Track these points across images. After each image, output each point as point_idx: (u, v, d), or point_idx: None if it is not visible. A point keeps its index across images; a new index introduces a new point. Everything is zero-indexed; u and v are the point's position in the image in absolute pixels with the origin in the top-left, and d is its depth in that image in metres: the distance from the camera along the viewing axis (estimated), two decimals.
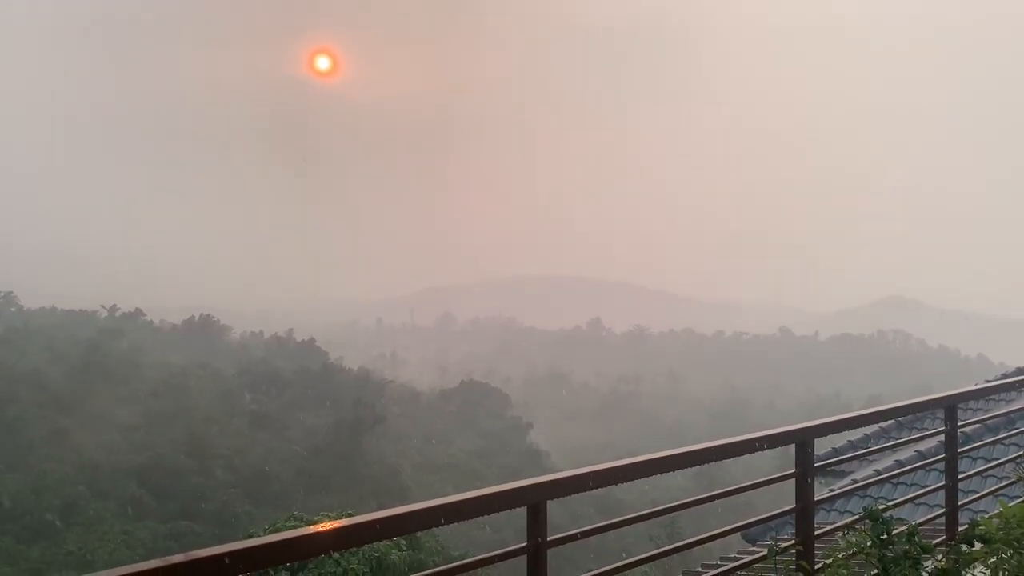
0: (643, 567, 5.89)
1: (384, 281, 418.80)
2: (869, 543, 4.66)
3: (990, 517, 5.11)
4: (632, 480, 4.49)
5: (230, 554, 2.81)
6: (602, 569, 4.04)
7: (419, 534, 21.43)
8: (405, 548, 20.16)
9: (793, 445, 5.20)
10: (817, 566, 4.94)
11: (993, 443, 8.48)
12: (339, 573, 16.27)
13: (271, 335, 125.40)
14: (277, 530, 15.87)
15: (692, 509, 4.85)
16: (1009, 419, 11.37)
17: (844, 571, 4.59)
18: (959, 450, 6.59)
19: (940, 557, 5.00)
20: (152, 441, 65.12)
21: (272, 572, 14.04)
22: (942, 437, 6.58)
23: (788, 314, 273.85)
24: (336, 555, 16.31)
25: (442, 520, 3.59)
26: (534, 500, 3.75)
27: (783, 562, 4.84)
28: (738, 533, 6.14)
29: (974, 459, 10.61)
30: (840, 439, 13.68)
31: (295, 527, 12.89)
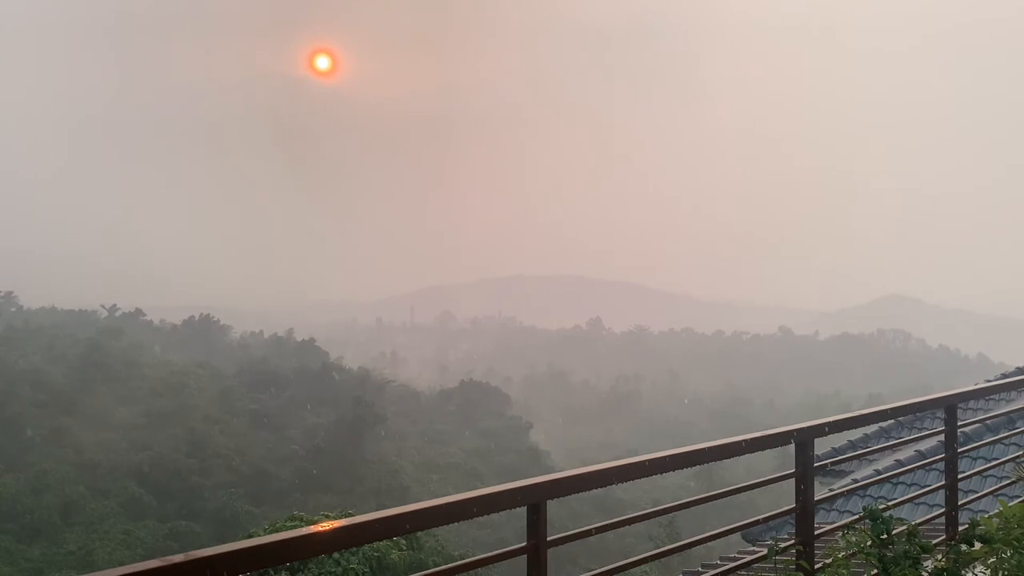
0: (643, 567, 5.88)
1: (384, 280, 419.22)
2: (869, 543, 4.66)
3: (990, 517, 5.11)
4: (632, 480, 4.49)
5: (230, 554, 2.80)
6: (602, 569, 4.04)
7: (419, 534, 21.44)
8: (405, 548, 20.17)
9: (793, 445, 5.21)
10: (817, 566, 4.94)
11: (993, 443, 8.48)
12: (339, 573, 16.29)
13: (271, 335, 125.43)
14: (277, 530, 15.89)
15: (692, 509, 4.85)
16: (1009, 419, 11.38)
17: (844, 571, 4.59)
18: (959, 450, 6.59)
19: (940, 557, 5.00)
20: (152, 441, 65.12)
21: (272, 572, 14.04)
22: (942, 437, 6.58)
23: (788, 314, 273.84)
24: (336, 555, 16.32)
25: (442, 520, 3.59)
26: (534, 500, 3.75)
27: (783, 562, 4.84)
28: (738, 533, 6.14)
29: (974, 459, 10.61)
30: (840, 439, 13.66)
31: (295, 527, 12.90)
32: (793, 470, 5.21)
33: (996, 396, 13.66)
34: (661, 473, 4.43)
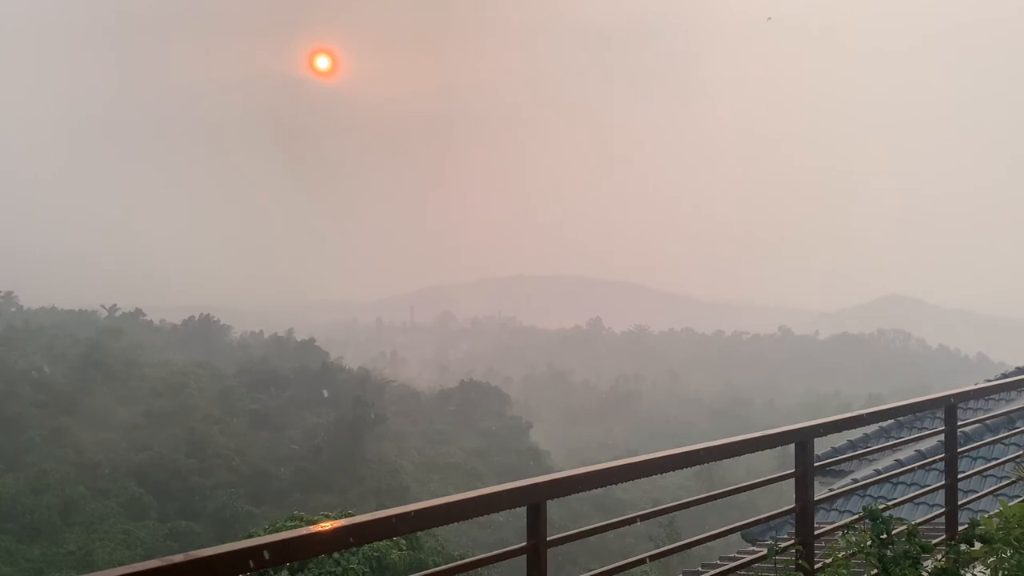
0: (643, 567, 5.88)
1: (384, 280, 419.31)
2: (869, 543, 4.66)
3: (990, 517, 5.11)
4: (632, 480, 4.49)
5: (230, 554, 2.81)
6: (602, 569, 4.04)
7: (419, 534, 21.45)
8: (405, 548, 20.18)
9: (793, 445, 5.21)
10: (817, 566, 4.94)
11: (993, 443, 8.47)
12: (339, 573, 16.29)
13: (271, 335, 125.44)
14: (277, 530, 15.88)
15: (692, 509, 4.85)
16: (1009, 419, 11.37)
17: (844, 571, 4.59)
18: (959, 450, 6.58)
19: (940, 557, 5.00)
20: (152, 440, 65.12)
21: (272, 572, 14.04)
22: (942, 437, 6.58)
23: (788, 314, 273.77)
24: (336, 555, 16.32)
25: (442, 520, 3.59)
26: (534, 500, 3.75)
27: (783, 562, 4.84)
28: (738, 533, 6.14)
29: (974, 459, 10.62)
30: (840, 439, 13.67)
31: (295, 527, 12.91)
32: (793, 470, 5.21)
33: (996, 396, 13.66)
34: (661, 473, 4.43)
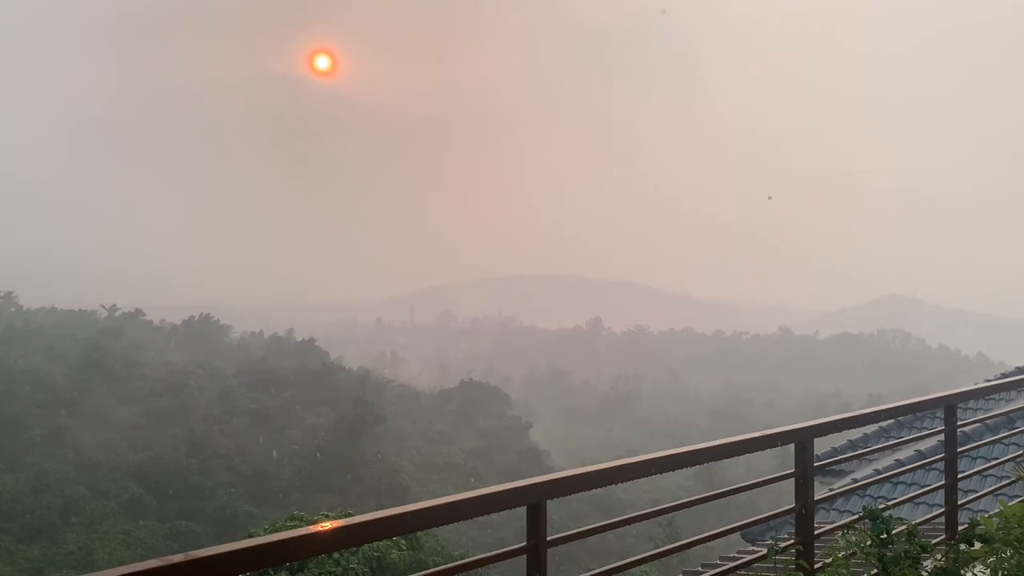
0: (643, 567, 5.89)
1: (384, 280, 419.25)
2: (869, 542, 4.66)
3: (990, 516, 5.11)
4: (632, 480, 4.49)
5: (230, 554, 2.81)
6: (602, 569, 4.04)
7: (419, 534, 21.46)
8: (405, 548, 20.18)
9: (793, 445, 5.21)
10: (817, 566, 4.94)
11: (993, 443, 8.47)
12: (339, 573, 16.30)
13: (271, 335, 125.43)
14: (277, 530, 15.88)
15: (692, 509, 4.85)
16: (1009, 419, 11.37)
17: (844, 571, 4.59)
18: (959, 449, 6.58)
19: (940, 556, 5.00)
20: (152, 441, 65.12)
21: (272, 572, 14.05)
22: (942, 436, 6.58)
23: (788, 314, 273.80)
24: (336, 555, 16.33)
25: (442, 520, 3.59)
26: (534, 500, 3.75)
27: (783, 562, 4.84)
28: (738, 533, 6.14)
29: (974, 459, 10.61)
30: (840, 438, 13.68)
31: (295, 527, 12.91)
32: (793, 470, 5.21)
33: (996, 396, 13.66)
34: (661, 473, 4.43)
